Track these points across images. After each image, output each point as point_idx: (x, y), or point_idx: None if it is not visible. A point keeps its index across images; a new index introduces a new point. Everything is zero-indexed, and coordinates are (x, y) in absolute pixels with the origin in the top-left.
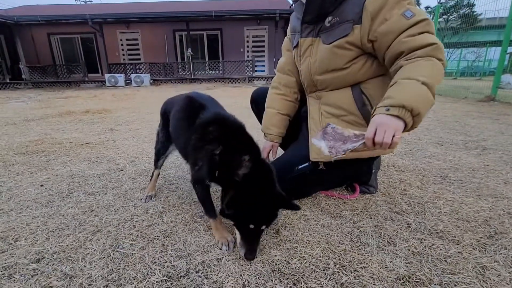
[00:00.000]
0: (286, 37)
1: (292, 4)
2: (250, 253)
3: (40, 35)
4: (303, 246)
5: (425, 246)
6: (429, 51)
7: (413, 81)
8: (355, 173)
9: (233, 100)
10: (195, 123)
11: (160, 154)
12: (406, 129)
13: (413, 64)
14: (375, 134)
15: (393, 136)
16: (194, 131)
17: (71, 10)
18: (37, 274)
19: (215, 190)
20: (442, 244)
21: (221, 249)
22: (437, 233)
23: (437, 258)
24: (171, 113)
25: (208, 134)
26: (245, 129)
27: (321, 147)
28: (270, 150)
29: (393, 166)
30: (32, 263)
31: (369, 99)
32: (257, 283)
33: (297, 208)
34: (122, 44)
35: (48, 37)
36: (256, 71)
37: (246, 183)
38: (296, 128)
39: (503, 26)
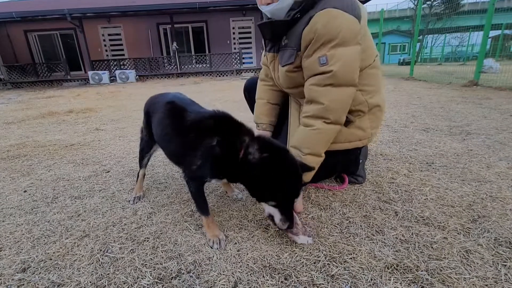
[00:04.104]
0: None
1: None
2: (292, 222)
3: (17, 33)
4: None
5: (412, 234)
6: (318, 111)
7: (298, 152)
8: (343, 164)
9: (222, 94)
10: (182, 128)
11: (144, 152)
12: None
13: (303, 132)
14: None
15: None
16: (186, 134)
17: (48, 5)
18: (23, 284)
19: (207, 186)
20: (428, 231)
21: (212, 247)
22: (424, 219)
23: (423, 245)
24: (153, 118)
25: (201, 132)
26: (232, 116)
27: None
28: None
29: (380, 154)
30: (17, 273)
31: None
32: (248, 279)
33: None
34: (104, 40)
35: (25, 35)
36: (243, 63)
37: (264, 164)
38: (286, 119)
39: (485, 10)
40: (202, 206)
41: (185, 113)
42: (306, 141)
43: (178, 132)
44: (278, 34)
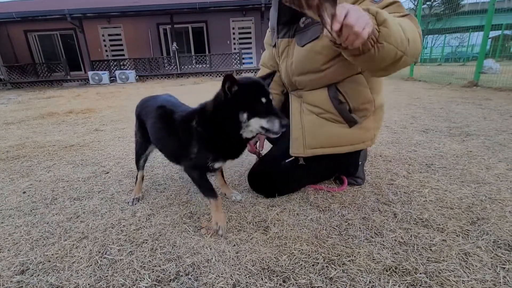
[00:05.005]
0: (268, 30)
1: None
2: (283, 118)
3: (17, 33)
4: (292, 242)
5: (411, 236)
6: (402, 17)
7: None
8: (343, 165)
9: None
10: (173, 129)
11: (140, 154)
12: (367, 44)
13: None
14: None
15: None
16: (177, 133)
17: (48, 5)
18: (22, 287)
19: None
20: (427, 233)
21: (218, 231)
22: (423, 222)
23: (422, 247)
24: (147, 122)
25: (187, 125)
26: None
27: None
28: (257, 141)
29: (380, 156)
30: (16, 275)
31: (345, 96)
32: (247, 282)
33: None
34: (104, 40)
35: (26, 35)
36: (243, 63)
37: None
38: None
39: (485, 11)
40: (209, 190)
41: (174, 115)
42: (396, 19)
43: (170, 133)
44: (298, 14)
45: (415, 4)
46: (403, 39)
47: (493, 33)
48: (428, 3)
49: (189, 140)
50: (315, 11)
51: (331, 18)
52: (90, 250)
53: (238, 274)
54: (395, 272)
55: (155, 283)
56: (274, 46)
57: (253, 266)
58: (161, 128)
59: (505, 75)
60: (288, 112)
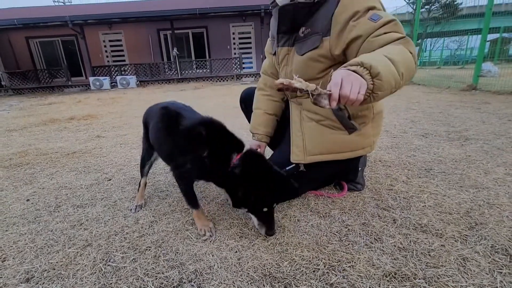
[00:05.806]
0: (268, 39)
1: (272, 1)
2: (270, 230)
3: (18, 39)
4: (293, 249)
5: (410, 241)
6: (399, 41)
7: (375, 53)
8: (343, 172)
9: (223, 98)
10: (175, 131)
11: (145, 160)
12: (366, 94)
13: (380, 48)
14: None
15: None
16: (178, 137)
17: (49, 12)
18: None
19: (207, 194)
20: (426, 238)
21: (204, 235)
22: (422, 227)
23: (421, 253)
24: (150, 124)
25: (192, 138)
26: (226, 128)
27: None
28: (257, 150)
29: (379, 161)
30: (21, 283)
31: None
32: None
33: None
34: (105, 46)
35: (27, 41)
36: (243, 68)
37: (246, 177)
38: (284, 130)
39: (482, 14)
40: (192, 201)
41: (179, 117)
42: (387, 50)
43: (171, 134)
44: (297, 23)
45: (414, 8)
46: (397, 78)
47: (491, 36)
48: (426, 7)
49: (187, 155)
50: (312, 102)
51: (328, 100)
52: (94, 257)
53: (240, 280)
54: (395, 277)
55: None
56: (274, 54)
57: (254, 272)
58: (162, 128)
59: (503, 78)
60: (288, 120)
